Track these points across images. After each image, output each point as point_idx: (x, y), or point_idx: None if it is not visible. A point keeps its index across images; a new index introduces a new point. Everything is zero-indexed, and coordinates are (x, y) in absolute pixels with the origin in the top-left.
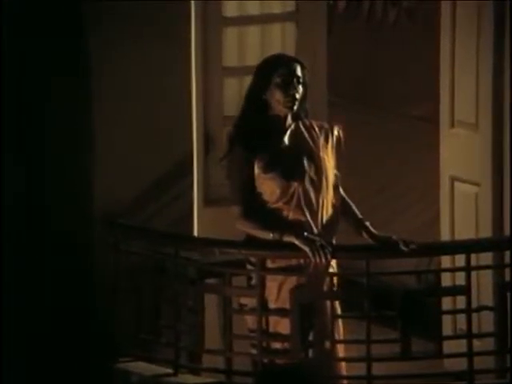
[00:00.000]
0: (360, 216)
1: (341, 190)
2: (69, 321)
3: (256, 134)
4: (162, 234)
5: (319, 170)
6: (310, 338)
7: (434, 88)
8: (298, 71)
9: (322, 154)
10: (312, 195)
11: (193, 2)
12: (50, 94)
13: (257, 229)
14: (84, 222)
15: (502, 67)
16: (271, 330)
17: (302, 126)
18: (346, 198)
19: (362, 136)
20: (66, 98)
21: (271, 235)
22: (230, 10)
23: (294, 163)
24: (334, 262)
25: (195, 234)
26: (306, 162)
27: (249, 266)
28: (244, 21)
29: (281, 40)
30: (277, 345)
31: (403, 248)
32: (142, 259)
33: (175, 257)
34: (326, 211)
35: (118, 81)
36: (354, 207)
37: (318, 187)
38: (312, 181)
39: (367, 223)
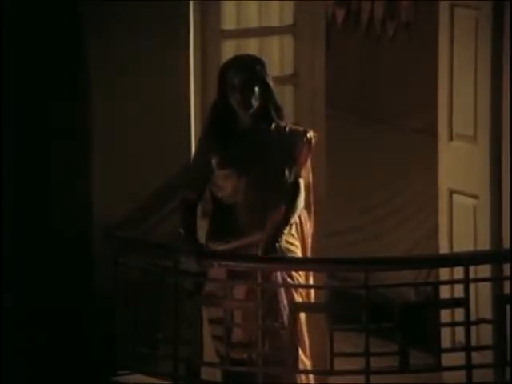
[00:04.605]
0: (287, 218)
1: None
2: (67, 334)
3: (220, 133)
4: (161, 247)
5: (273, 171)
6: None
7: (433, 101)
8: (250, 74)
9: (282, 156)
10: (259, 195)
11: (192, 16)
12: (49, 108)
13: (181, 216)
14: (83, 235)
15: (501, 80)
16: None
17: (273, 128)
18: (297, 197)
19: (360, 149)
20: (65, 112)
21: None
22: (229, 22)
23: (248, 163)
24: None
25: None
26: (261, 163)
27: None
28: (242, 34)
29: (279, 53)
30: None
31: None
32: (140, 272)
33: (174, 269)
34: (269, 211)
35: (118, 97)
36: (290, 208)
37: (267, 188)
38: (262, 181)
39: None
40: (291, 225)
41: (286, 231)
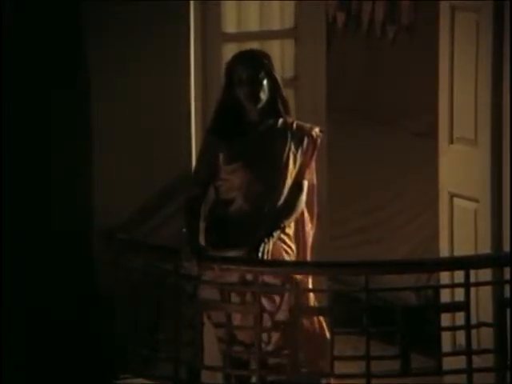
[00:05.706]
0: (281, 220)
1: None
2: (68, 334)
3: (227, 128)
4: (162, 249)
5: (277, 167)
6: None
7: (433, 103)
8: (258, 68)
9: (287, 153)
10: (260, 191)
11: (192, 18)
12: (49, 108)
13: (185, 215)
14: (83, 235)
15: (501, 83)
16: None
17: (280, 123)
18: (298, 199)
19: (360, 151)
20: (65, 112)
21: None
22: (230, 25)
23: (254, 157)
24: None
25: None
26: (266, 158)
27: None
28: (243, 37)
29: (280, 56)
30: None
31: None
32: (141, 274)
33: (174, 272)
34: (270, 207)
35: (118, 97)
36: (286, 212)
37: (269, 184)
38: (265, 177)
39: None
40: (284, 227)
41: (276, 234)
